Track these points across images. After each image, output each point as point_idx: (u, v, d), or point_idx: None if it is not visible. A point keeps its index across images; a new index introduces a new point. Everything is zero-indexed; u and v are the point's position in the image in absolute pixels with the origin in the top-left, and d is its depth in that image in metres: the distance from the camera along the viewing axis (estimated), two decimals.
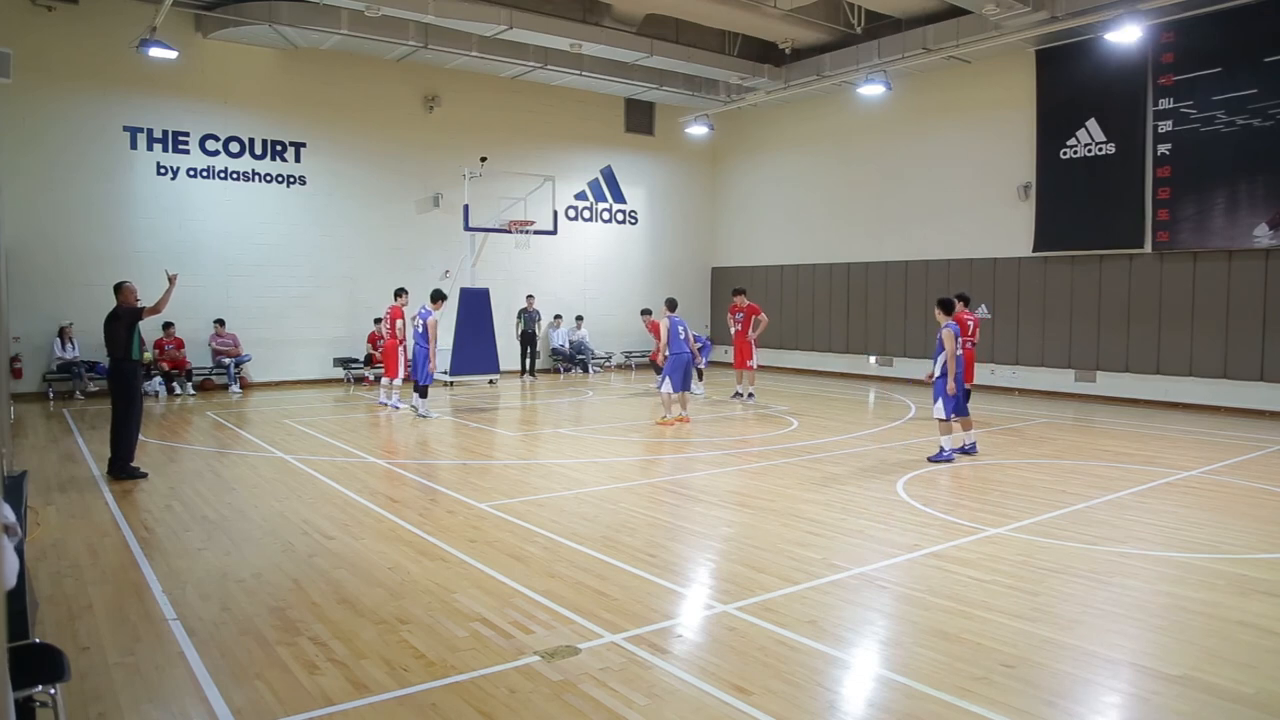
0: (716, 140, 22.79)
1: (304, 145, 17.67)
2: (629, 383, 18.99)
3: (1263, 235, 13.72)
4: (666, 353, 12.46)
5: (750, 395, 15.31)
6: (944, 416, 9.79)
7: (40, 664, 2.97)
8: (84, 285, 15.43)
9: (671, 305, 13.29)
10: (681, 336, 12.45)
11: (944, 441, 9.81)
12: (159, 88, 15.93)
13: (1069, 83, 15.98)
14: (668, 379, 12.34)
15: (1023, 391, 16.87)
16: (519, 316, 19.72)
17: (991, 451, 10.54)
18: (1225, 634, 4.78)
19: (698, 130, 20.48)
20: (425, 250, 19.13)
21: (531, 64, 18.00)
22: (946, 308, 9.93)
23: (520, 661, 4.37)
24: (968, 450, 10.21)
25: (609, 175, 22.07)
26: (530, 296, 20.00)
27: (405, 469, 9.32)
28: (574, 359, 20.81)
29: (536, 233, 19.06)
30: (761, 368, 22.30)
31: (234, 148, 16.94)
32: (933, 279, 18.47)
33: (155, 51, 14.18)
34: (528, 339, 19.55)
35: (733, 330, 15.86)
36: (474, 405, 14.97)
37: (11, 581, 2.13)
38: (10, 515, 2.58)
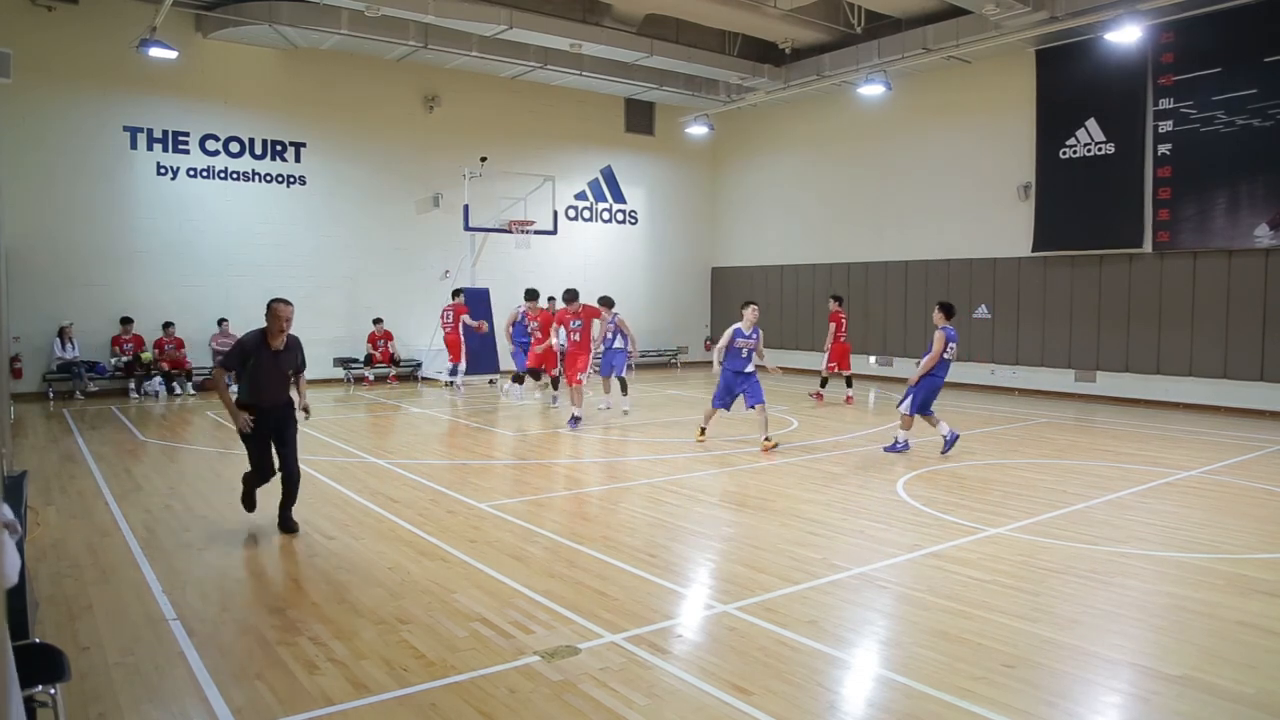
0: (716, 140, 22.79)
1: (304, 145, 17.67)
2: (629, 382, 18.94)
3: (1263, 235, 13.72)
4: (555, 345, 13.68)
5: (575, 418, 12.32)
6: (926, 411, 10.27)
7: (40, 664, 2.97)
8: (84, 285, 15.45)
9: (608, 303, 13.54)
10: (610, 335, 13.62)
11: (901, 434, 10.44)
12: (159, 88, 15.93)
13: (1069, 83, 15.98)
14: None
15: (1023, 391, 16.86)
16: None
17: (992, 451, 10.54)
18: (1225, 634, 4.78)
19: (698, 130, 20.49)
20: (425, 250, 19.13)
21: (531, 64, 18.01)
22: (949, 311, 10.35)
23: (520, 661, 4.37)
24: (900, 448, 10.41)
25: (609, 175, 22.07)
26: (551, 299, 20.04)
27: (405, 469, 9.32)
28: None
29: (536, 233, 19.07)
30: (762, 368, 22.31)
31: (234, 148, 16.94)
32: (933, 279, 18.47)
33: (155, 51, 14.18)
34: None
35: (561, 341, 13.35)
36: (474, 405, 14.96)
37: (13, 579, 2.13)
38: (9, 513, 2.57)
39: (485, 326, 16.90)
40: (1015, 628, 4.82)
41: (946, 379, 10.41)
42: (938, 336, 10.17)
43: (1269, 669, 4.35)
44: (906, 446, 10.37)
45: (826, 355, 15.36)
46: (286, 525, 6.80)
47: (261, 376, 6.58)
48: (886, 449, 10.41)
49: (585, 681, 4.13)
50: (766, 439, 10.39)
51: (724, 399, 10.65)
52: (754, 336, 10.53)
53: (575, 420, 12.13)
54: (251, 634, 4.75)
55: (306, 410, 6.87)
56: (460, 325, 16.62)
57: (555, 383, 14.57)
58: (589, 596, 5.32)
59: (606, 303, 13.54)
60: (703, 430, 11.02)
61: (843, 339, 15.22)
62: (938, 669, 4.28)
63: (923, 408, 10.20)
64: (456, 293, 17.08)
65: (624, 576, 5.74)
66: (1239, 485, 8.68)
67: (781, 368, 13.94)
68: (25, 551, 4.60)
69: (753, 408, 10.46)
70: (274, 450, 6.74)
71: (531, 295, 14.42)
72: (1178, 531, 6.93)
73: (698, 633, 4.85)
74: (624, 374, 14.01)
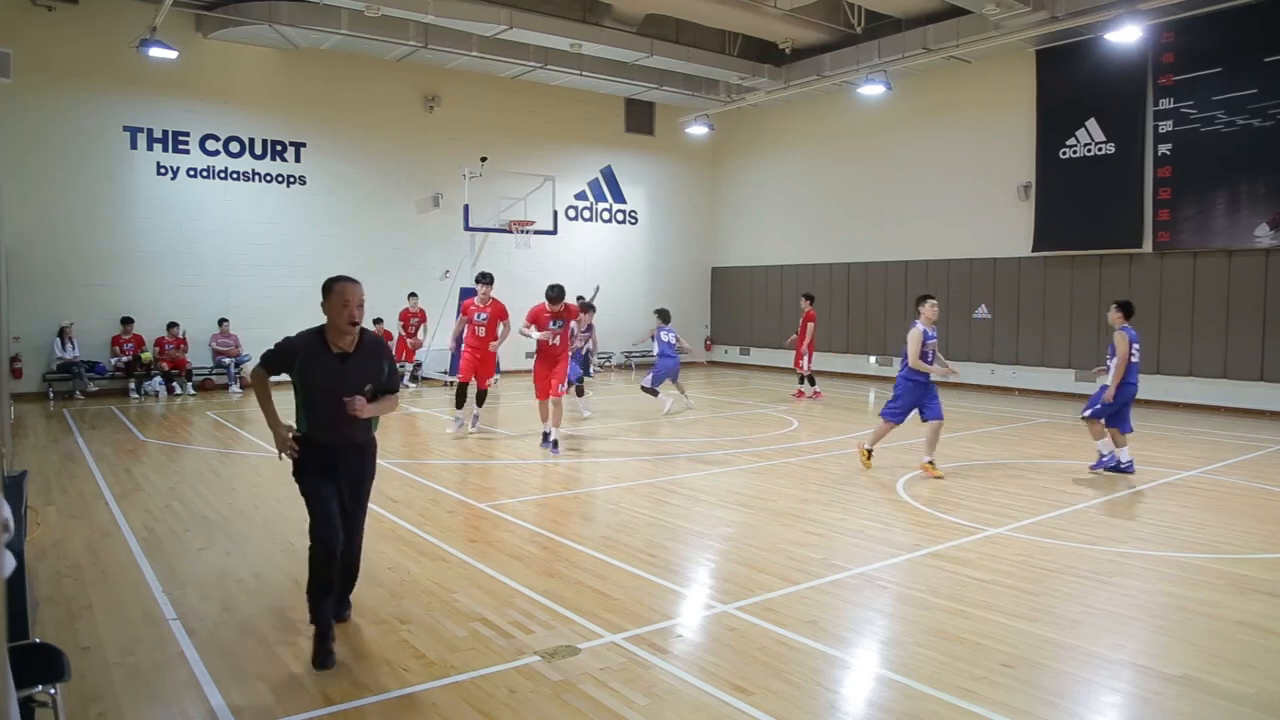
0: (716, 140, 22.79)
1: (304, 145, 17.67)
2: (629, 382, 18.99)
3: (1263, 235, 13.72)
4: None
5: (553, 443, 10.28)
6: (1100, 417, 8.91)
7: (40, 664, 2.97)
8: (84, 285, 15.45)
9: (665, 317, 14.10)
10: (665, 340, 13.71)
11: (1099, 446, 9.05)
12: (159, 88, 15.93)
13: (1069, 83, 15.98)
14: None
15: (1023, 391, 16.86)
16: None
17: (992, 451, 10.54)
18: (1225, 634, 4.78)
19: (698, 130, 20.49)
20: (425, 250, 19.13)
21: (531, 64, 18.01)
22: (1128, 310, 9.02)
23: (520, 661, 4.37)
24: (1124, 468, 8.96)
25: (609, 175, 22.07)
26: (580, 297, 20.06)
27: (405, 469, 9.32)
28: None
29: (536, 233, 19.07)
30: (762, 368, 22.42)
31: (234, 148, 16.94)
32: (933, 279, 18.47)
33: (155, 51, 14.18)
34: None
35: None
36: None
37: (6, 573, 2.12)
38: (7, 512, 2.57)
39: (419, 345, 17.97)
40: (1015, 628, 4.82)
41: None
42: (1120, 338, 8.85)
43: (1269, 669, 4.35)
44: (1130, 466, 8.96)
45: (807, 355, 15.67)
46: (336, 610, 4.66)
47: (321, 397, 4.41)
48: (1115, 470, 9.02)
49: (585, 681, 4.13)
50: (930, 462, 8.88)
51: (904, 414, 9.01)
52: (935, 337, 9.08)
53: (553, 443, 10.19)
54: (251, 634, 4.75)
55: (356, 405, 4.37)
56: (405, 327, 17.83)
57: (481, 397, 11.79)
58: (589, 596, 5.32)
59: (664, 315, 14.01)
60: (869, 453, 9.24)
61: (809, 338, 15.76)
62: (938, 669, 4.28)
63: (1102, 415, 8.89)
64: (411, 295, 18.10)
65: (624, 576, 5.74)
66: (1239, 485, 8.68)
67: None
68: (25, 551, 4.60)
69: (927, 421, 8.91)
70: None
71: (484, 279, 11.39)
72: (1178, 531, 6.93)
73: (698, 633, 4.85)
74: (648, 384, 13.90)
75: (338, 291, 4.37)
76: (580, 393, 13.36)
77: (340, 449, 4.49)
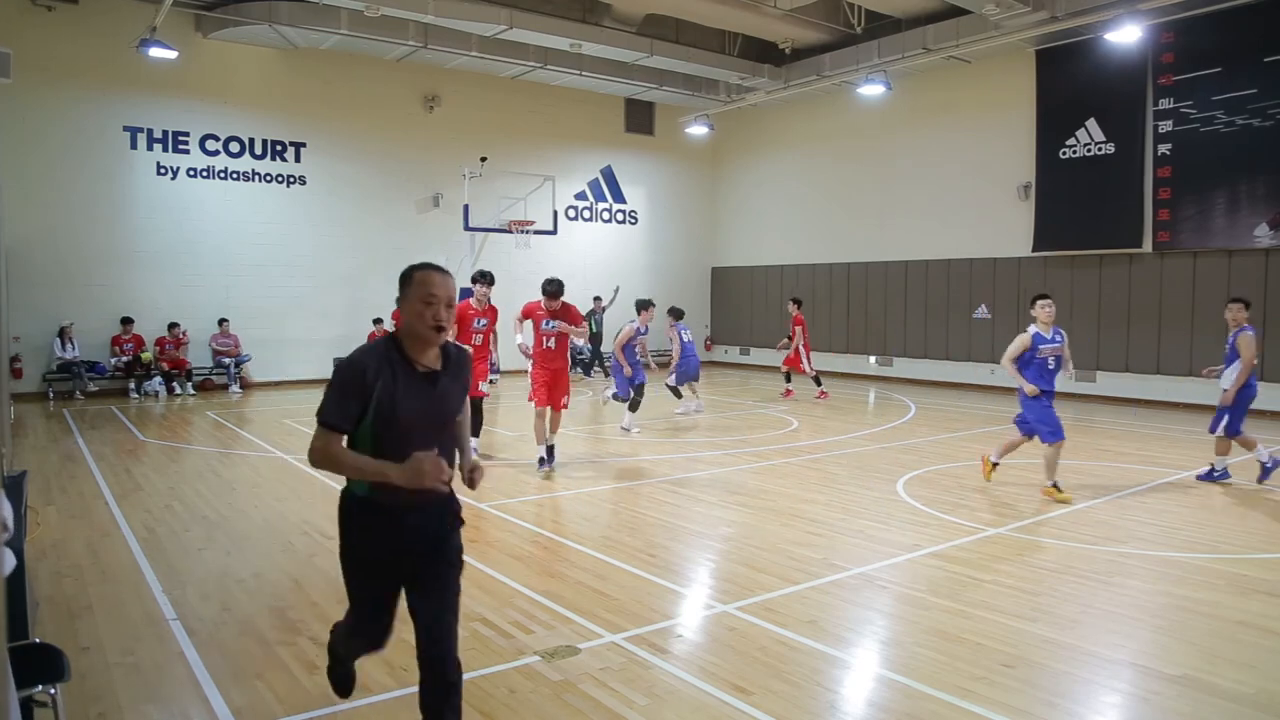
0: (716, 140, 22.79)
1: (304, 145, 17.68)
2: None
3: (1263, 235, 13.72)
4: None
5: (547, 459, 9.23)
6: (1236, 431, 8.47)
7: (40, 664, 2.97)
8: (84, 285, 15.45)
9: (678, 314, 13.97)
10: (687, 339, 13.54)
11: (1257, 455, 8.53)
12: (159, 88, 15.93)
13: (1069, 83, 15.98)
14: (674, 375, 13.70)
15: None
16: (588, 317, 19.92)
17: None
18: (1225, 634, 4.78)
19: (698, 130, 20.50)
20: (425, 250, 19.07)
21: (531, 64, 18.01)
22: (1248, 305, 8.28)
23: (520, 661, 4.37)
24: (1219, 476, 8.63)
25: (609, 175, 22.07)
26: (598, 298, 20.10)
27: None
28: (574, 359, 20.83)
29: (536, 233, 19.08)
30: (762, 368, 22.42)
31: (234, 148, 16.94)
32: (933, 279, 18.48)
33: (155, 51, 14.19)
34: (595, 339, 19.83)
35: (526, 343, 9.77)
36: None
37: (6, 572, 2.12)
38: (8, 510, 2.57)
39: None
40: (1015, 628, 4.82)
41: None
42: (1245, 341, 8.21)
43: (1269, 669, 4.35)
44: (1226, 475, 8.61)
45: (805, 358, 15.66)
46: None
47: (401, 436, 2.96)
48: (1201, 477, 8.74)
49: (585, 681, 4.13)
50: (1054, 485, 7.79)
51: (1053, 426, 7.80)
52: (1059, 340, 7.90)
53: (548, 449, 9.18)
54: (251, 634, 4.75)
55: (475, 475, 3.30)
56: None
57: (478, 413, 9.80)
58: (589, 596, 5.32)
59: (678, 313, 13.74)
60: (1056, 488, 7.80)
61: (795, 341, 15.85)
62: (938, 669, 4.28)
63: (1232, 426, 8.40)
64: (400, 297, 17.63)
65: (624, 576, 5.74)
66: (1239, 485, 8.67)
67: None
68: (25, 551, 4.60)
69: (1043, 440, 7.88)
70: (405, 598, 3.20)
71: (484, 279, 9.72)
72: (1178, 531, 6.93)
73: (698, 633, 4.85)
74: (674, 383, 13.62)
75: (419, 283, 3.03)
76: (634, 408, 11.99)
77: (412, 510, 3.07)
